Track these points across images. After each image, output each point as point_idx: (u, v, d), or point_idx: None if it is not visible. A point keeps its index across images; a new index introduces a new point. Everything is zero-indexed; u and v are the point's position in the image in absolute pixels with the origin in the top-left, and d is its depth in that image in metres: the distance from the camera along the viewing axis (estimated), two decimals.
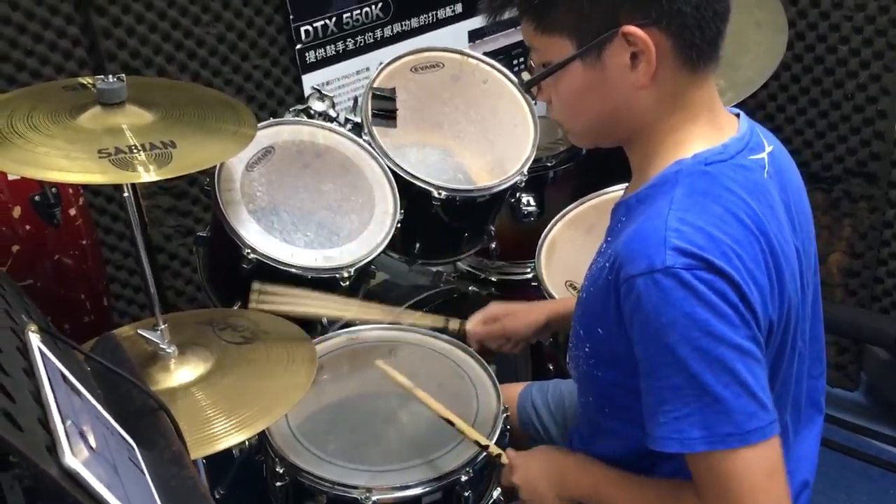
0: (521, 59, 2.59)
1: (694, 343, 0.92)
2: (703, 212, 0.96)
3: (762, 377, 0.96)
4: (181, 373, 1.35)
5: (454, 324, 1.62)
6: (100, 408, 0.96)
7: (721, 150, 1.01)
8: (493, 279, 2.20)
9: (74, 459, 0.71)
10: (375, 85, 1.83)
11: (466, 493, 1.41)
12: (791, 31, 2.30)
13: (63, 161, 1.19)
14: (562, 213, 1.93)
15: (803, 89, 2.39)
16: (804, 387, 1.17)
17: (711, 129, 1.04)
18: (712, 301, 0.92)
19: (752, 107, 2.46)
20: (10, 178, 1.61)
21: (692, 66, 0.99)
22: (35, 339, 0.88)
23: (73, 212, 1.73)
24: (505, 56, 2.56)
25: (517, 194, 2.04)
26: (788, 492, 0.97)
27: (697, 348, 0.92)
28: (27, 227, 1.64)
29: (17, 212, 1.63)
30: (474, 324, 1.59)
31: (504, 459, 1.35)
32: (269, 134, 1.69)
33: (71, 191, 1.73)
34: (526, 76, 1.10)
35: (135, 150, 1.23)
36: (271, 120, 1.73)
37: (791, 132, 2.45)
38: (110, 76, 1.32)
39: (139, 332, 1.34)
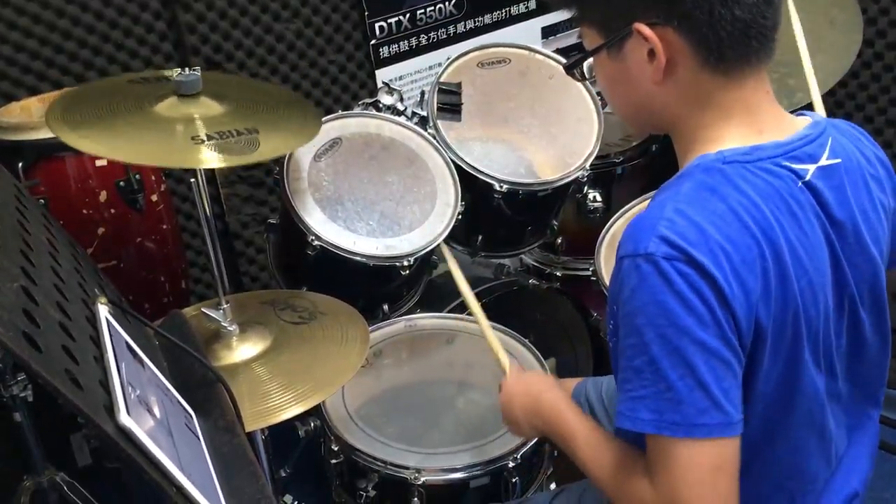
0: None
1: (659, 330, 0.94)
2: (703, 207, 0.97)
3: (726, 378, 0.96)
4: (242, 349, 1.43)
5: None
6: (162, 377, 1.03)
7: (748, 150, 1.01)
8: (557, 274, 2.21)
9: (129, 419, 0.77)
10: (442, 80, 1.86)
11: (514, 480, 1.44)
12: (872, 29, 2.24)
13: (139, 146, 1.28)
14: (624, 208, 1.92)
15: (883, 88, 2.33)
16: (842, 413, 1.14)
17: (747, 130, 1.03)
18: (685, 294, 0.93)
19: (830, 105, 2.40)
20: (98, 164, 1.72)
21: (712, 67, 1.00)
22: (103, 311, 0.95)
23: (154, 197, 1.82)
24: (578, 52, 2.56)
25: (583, 190, 2.05)
26: (735, 492, 0.97)
27: (661, 336, 0.94)
28: (112, 210, 1.74)
29: (103, 196, 1.73)
30: None
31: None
32: (337, 126, 1.75)
33: (153, 177, 1.82)
34: None
35: (205, 138, 1.30)
36: (339, 112, 1.78)
37: (870, 131, 2.38)
38: (187, 69, 1.40)
39: (203, 310, 1.42)
